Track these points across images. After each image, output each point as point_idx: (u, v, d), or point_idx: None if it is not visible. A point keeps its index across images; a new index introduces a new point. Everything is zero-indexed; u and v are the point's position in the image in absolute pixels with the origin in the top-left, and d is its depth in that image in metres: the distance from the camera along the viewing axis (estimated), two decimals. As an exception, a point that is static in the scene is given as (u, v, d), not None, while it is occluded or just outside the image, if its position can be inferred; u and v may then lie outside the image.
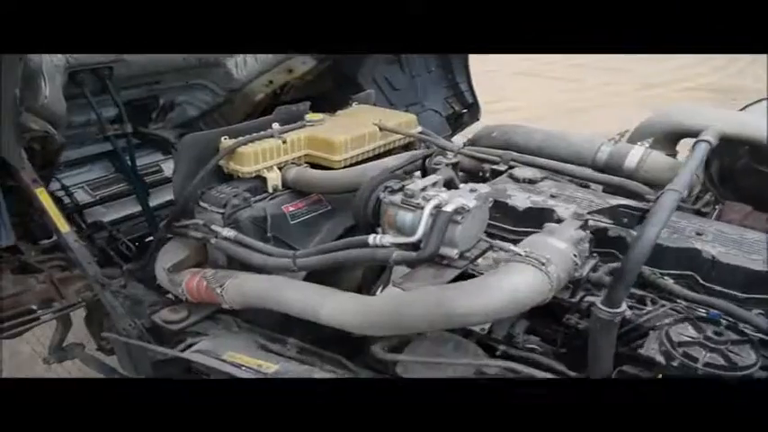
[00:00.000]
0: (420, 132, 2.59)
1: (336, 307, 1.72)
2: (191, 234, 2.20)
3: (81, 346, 2.60)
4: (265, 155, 2.24)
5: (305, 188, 2.29)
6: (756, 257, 1.72)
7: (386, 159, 2.40)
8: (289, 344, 2.01)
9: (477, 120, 4.09)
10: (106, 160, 3.28)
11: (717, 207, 2.34)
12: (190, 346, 2.08)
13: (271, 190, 2.25)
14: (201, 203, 2.19)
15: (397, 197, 1.80)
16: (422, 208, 1.73)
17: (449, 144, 2.46)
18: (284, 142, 2.28)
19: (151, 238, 3.08)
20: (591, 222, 1.84)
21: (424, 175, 2.23)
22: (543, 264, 1.50)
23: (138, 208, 3.21)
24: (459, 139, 3.49)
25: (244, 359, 1.89)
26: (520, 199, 1.99)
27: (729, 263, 1.70)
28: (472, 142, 2.52)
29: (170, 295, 2.36)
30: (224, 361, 1.88)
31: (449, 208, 1.64)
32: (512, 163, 2.26)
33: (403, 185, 1.83)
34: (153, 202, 3.18)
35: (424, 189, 1.78)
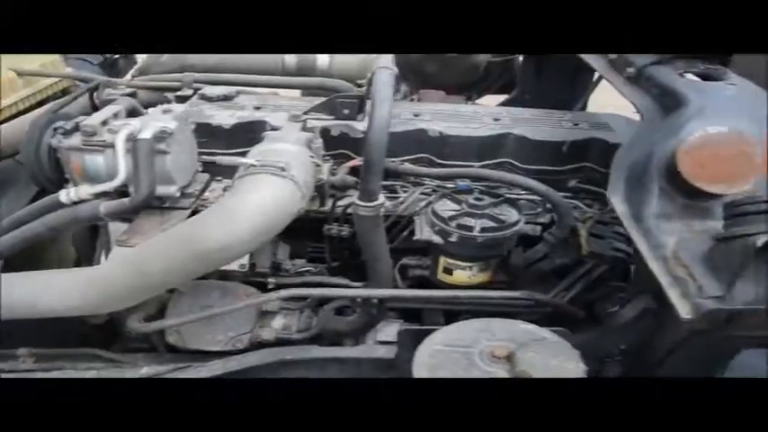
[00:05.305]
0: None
1: (59, 290, 1.23)
2: None
3: None
4: None
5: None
6: (475, 126, 1.70)
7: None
8: (20, 356, 1.46)
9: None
10: None
11: (414, 98, 2.31)
12: None
13: None
14: None
15: (76, 139, 1.32)
16: (112, 145, 1.30)
17: (114, 80, 1.96)
18: None
19: None
20: (311, 123, 1.61)
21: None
22: (283, 169, 1.24)
23: None
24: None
25: None
26: (223, 117, 1.65)
27: (458, 134, 1.65)
28: (141, 72, 2.07)
29: None
30: None
31: (146, 134, 1.25)
32: (196, 85, 1.89)
33: (77, 123, 1.35)
34: None
35: (105, 123, 1.34)
